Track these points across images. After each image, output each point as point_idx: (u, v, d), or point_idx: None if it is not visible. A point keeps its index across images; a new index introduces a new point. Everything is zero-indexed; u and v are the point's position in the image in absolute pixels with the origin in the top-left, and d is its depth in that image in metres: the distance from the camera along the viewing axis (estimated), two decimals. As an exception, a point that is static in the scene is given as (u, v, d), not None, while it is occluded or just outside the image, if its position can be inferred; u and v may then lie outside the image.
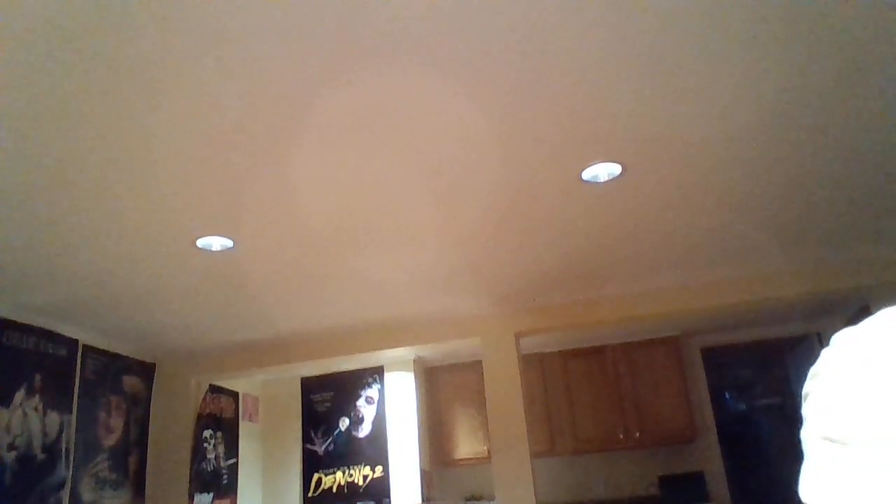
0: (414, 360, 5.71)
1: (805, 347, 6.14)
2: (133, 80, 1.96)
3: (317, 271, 3.64)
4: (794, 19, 1.94)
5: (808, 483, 0.52)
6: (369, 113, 2.24)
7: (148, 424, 4.86)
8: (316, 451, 5.77)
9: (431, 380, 6.05)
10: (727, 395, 7.66)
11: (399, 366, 5.72)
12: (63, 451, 3.98)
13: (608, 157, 2.67)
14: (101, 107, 2.07)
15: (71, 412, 4.09)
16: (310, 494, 5.67)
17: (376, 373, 5.76)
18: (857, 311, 5.33)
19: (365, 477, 5.56)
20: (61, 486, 3.93)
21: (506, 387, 4.60)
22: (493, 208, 3.07)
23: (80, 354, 4.24)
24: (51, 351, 3.99)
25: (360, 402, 5.76)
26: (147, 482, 4.76)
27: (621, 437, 5.64)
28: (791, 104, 2.40)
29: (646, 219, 3.33)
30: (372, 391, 5.75)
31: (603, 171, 2.79)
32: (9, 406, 3.63)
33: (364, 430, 5.69)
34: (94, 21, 1.72)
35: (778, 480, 6.90)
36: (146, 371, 4.93)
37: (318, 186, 2.71)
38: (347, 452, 5.67)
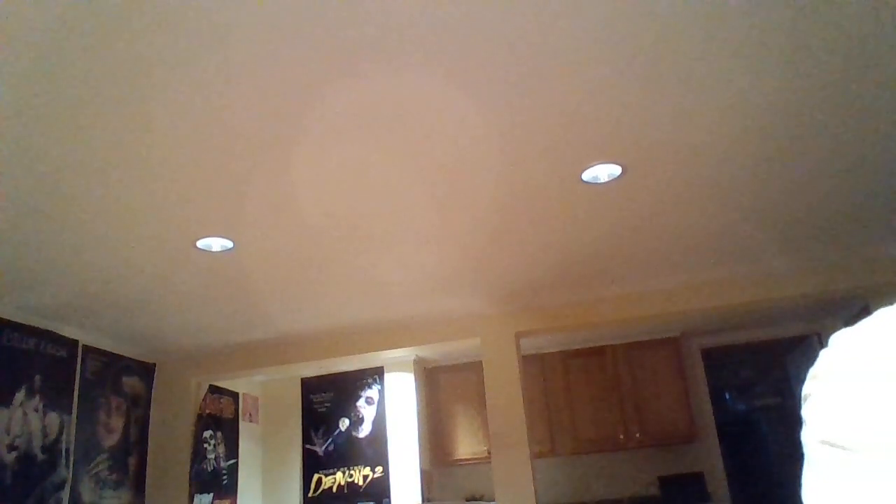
0: (414, 361, 5.71)
1: (805, 348, 6.14)
2: (134, 81, 1.96)
3: (317, 272, 3.64)
4: (795, 19, 1.94)
5: (812, 489, 0.51)
6: (368, 113, 2.24)
7: (148, 425, 4.86)
8: (316, 452, 5.76)
9: (431, 380, 6.05)
10: (727, 396, 7.66)
11: (399, 366, 5.71)
12: (63, 451, 3.98)
13: (608, 157, 2.67)
14: (102, 108, 2.07)
15: (71, 413, 4.09)
16: (310, 495, 5.67)
17: (376, 373, 5.76)
18: (858, 312, 5.33)
19: (365, 477, 5.56)
20: (61, 486, 3.93)
21: (506, 387, 4.60)
22: (493, 208, 3.07)
23: (80, 355, 4.24)
24: (51, 351, 3.99)
25: (361, 403, 5.76)
26: (147, 483, 4.76)
27: (621, 437, 5.64)
28: (791, 105, 2.40)
29: (646, 219, 3.33)
30: (372, 391, 5.75)
31: (603, 172, 2.79)
32: (9, 406, 3.63)
33: (364, 431, 5.69)
34: (94, 22, 1.72)
35: (778, 481, 6.90)
36: (146, 371, 4.93)
37: (318, 187, 2.71)
38: (347, 453, 5.67)
